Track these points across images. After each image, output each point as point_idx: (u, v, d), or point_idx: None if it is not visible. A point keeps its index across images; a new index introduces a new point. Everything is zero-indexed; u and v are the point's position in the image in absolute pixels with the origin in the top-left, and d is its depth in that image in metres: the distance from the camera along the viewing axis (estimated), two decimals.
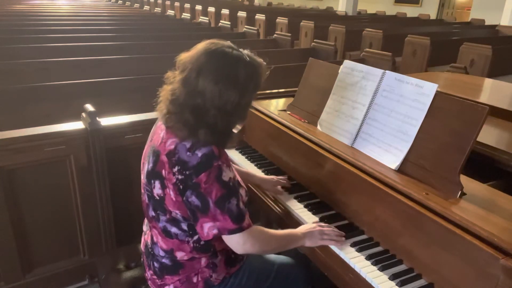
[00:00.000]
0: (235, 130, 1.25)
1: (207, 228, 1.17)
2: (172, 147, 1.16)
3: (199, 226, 1.19)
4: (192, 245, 1.25)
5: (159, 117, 1.25)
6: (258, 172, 1.82)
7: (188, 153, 1.14)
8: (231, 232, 1.18)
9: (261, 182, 1.66)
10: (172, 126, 1.17)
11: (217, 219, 1.16)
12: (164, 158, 1.17)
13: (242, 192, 1.24)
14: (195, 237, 1.25)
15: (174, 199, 1.17)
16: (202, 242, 1.25)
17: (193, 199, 1.14)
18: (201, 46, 1.17)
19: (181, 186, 1.14)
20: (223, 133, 1.18)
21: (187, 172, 1.13)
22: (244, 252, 1.26)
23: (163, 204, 1.20)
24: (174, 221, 1.22)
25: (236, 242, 1.21)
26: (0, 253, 1.90)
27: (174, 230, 1.24)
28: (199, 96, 1.12)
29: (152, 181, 1.21)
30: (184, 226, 1.23)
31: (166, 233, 1.26)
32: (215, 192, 1.14)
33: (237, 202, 1.18)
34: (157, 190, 1.20)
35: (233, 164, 1.62)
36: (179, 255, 1.27)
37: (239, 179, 1.26)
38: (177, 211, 1.19)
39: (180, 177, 1.14)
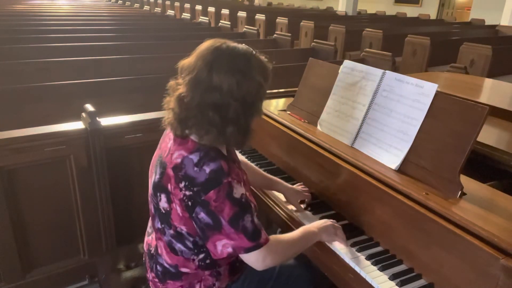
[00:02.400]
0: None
1: (221, 246, 1.11)
2: (179, 160, 1.11)
3: (211, 245, 1.13)
4: (197, 263, 1.22)
5: (168, 128, 1.19)
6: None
7: (195, 168, 1.08)
8: (248, 250, 1.12)
9: (287, 191, 1.58)
10: (194, 132, 1.11)
11: (232, 238, 1.10)
12: (170, 171, 1.12)
13: (253, 208, 1.16)
14: (201, 256, 1.21)
15: (180, 214, 1.13)
16: (207, 261, 1.21)
17: (203, 216, 1.09)
18: (203, 46, 1.12)
19: (189, 203, 1.09)
20: (245, 129, 1.13)
21: (195, 189, 1.07)
22: (266, 268, 1.18)
23: (169, 219, 1.16)
24: (179, 237, 1.18)
25: (256, 260, 1.15)
26: (0, 253, 1.90)
27: (179, 246, 1.20)
28: (215, 91, 1.05)
29: (158, 194, 1.17)
30: (189, 243, 1.18)
31: (171, 249, 1.22)
32: (227, 210, 1.07)
33: (252, 218, 1.11)
34: (163, 204, 1.16)
35: (254, 169, 1.59)
36: (184, 270, 1.24)
37: (248, 193, 1.17)
38: (183, 227, 1.15)
39: (187, 193, 1.08)
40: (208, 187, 1.07)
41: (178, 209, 1.12)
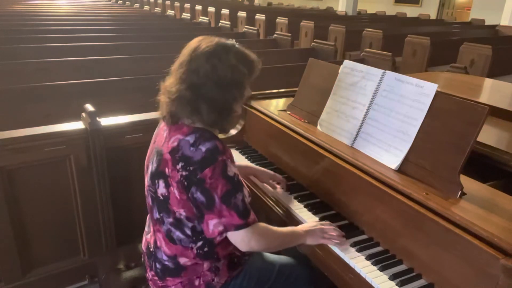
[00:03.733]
0: (238, 110, 1.27)
1: (212, 225, 1.16)
2: (175, 144, 1.16)
3: (205, 224, 1.18)
4: (195, 251, 1.24)
5: (161, 118, 1.27)
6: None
7: (191, 148, 1.14)
8: (238, 227, 1.17)
9: (258, 172, 1.68)
10: (175, 111, 1.18)
11: (223, 215, 1.15)
12: (167, 156, 1.17)
13: (245, 192, 1.23)
14: (199, 244, 1.23)
15: (178, 197, 1.16)
16: (205, 249, 1.24)
17: (198, 195, 1.14)
18: (191, 41, 1.23)
19: (185, 183, 1.14)
20: (223, 110, 1.19)
21: (191, 168, 1.12)
22: (249, 249, 1.24)
23: (168, 204, 1.19)
24: (178, 224, 1.21)
25: (241, 239, 1.20)
26: (0, 253, 1.90)
27: (177, 234, 1.23)
28: (194, 74, 1.15)
29: (156, 181, 1.20)
30: (188, 230, 1.21)
31: (169, 238, 1.25)
32: (220, 187, 1.13)
33: (243, 197, 1.18)
34: (161, 190, 1.20)
35: None
36: (182, 260, 1.26)
37: (242, 179, 1.25)
38: (182, 211, 1.18)
39: (184, 173, 1.13)
40: (204, 164, 1.12)
41: (176, 192, 1.16)
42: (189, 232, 1.22)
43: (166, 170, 1.17)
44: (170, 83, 1.20)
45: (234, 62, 1.18)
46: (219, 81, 1.16)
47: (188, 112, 1.17)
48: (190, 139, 1.15)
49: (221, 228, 1.16)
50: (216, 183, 1.13)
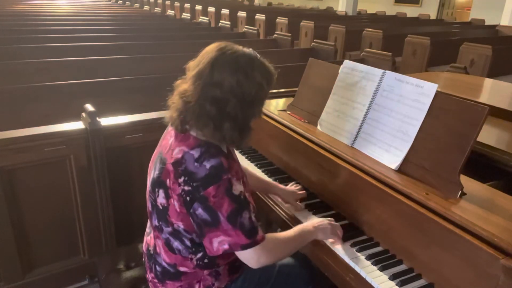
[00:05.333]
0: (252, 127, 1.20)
1: (217, 243, 1.12)
2: (179, 156, 1.12)
3: (207, 241, 1.13)
4: (195, 262, 1.22)
5: (170, 124, 1.20)
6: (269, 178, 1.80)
7: (195, 163, 1.10)
8: (244, 247, 1.13)
9: (280, 192, 1.58)
10: (192, 125, 1.13)
11: (229, 234, 1.11)
12: (169, 167, 1.13)
13: (251, 208, 1.17)
14: (199, 255, 1.21)
15: (178, 210, 1.13)
16: (206, 260, 1.22)
17: (201, 212, 1.10)
18: (210, 46, 1.15)
19: (187, 198, 1.10)
20: (243, 128, 1.15)
21: (194, 184, 1.08)
22: (260, 266, 1.19)
23: (166, 215, 1.17)
24: (177, 234, 1.19)
25: (250, 258, 1.16)
26: (0, 253, 1.90)
27: (176, 244, 1.20)
28: (216, 87, 1.08)
29: (157, 190, 1.17)
30: (187, 241, 1.19)
31: (169, 247, 1.22)
32: (225, 206, 1.09)
33: (249, 215, 1.13)
34: (160, 199, 1.17)
35: (250, 172, 1.59)
36: (182, 269, 1.24)
37: (247, 194, 1.19)
38: (180, 223, 1.16)
39: (186, 188, 1.09)
40: (207, 182, 1.08)
41: (176, 204, 1.13)
42: (188, 243, 1.19)
43: (168, 181, 1.13)
44: (186, 91, 1.11)
45: (259, 79, 1.12)
46: (243, 98, 1.10)
47: (210, 130, 1.10)
48: (195, 153, 1.11)
49: (226, 246, 1.12)
50: (221, 202, 1.08)
